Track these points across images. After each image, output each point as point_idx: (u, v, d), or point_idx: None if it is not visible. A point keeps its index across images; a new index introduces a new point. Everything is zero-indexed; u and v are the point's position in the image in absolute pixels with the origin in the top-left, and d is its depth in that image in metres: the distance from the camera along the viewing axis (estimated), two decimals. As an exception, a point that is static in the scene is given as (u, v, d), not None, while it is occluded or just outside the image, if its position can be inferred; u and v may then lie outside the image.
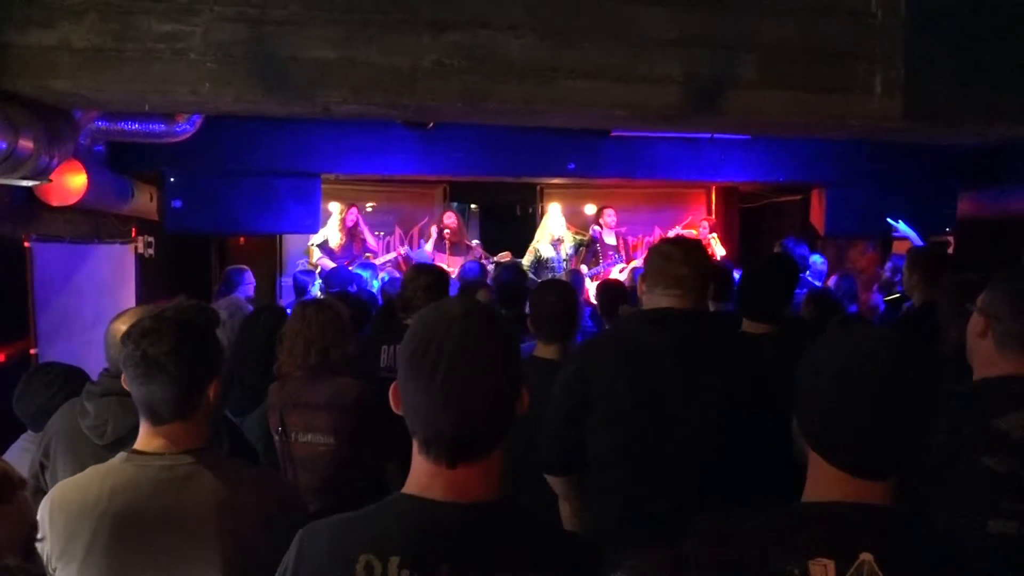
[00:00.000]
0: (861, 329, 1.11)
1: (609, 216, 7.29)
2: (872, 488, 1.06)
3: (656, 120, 3.06)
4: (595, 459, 1.94)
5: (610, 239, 7.30)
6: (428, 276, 3.11)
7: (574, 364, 1.97)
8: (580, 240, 7.01)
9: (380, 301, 4.68)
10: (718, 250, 7.20)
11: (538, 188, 8.13)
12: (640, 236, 7.86)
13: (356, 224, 6.98)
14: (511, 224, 8.57)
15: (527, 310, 2.73)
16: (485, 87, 2.85)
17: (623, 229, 7.30)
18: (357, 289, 5.04)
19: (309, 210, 6.29)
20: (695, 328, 1.91)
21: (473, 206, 9.20)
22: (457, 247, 7.04)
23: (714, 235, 7.35)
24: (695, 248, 1.98)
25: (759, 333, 2.51)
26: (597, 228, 6.98)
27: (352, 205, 7.00)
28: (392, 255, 7.10)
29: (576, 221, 7.77)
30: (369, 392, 2.42)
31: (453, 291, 4.82)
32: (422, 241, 7.31)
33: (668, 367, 1.86)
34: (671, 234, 7.06)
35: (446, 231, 7.03)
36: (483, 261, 6.16)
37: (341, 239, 6.85)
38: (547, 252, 6.85)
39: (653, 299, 1.95)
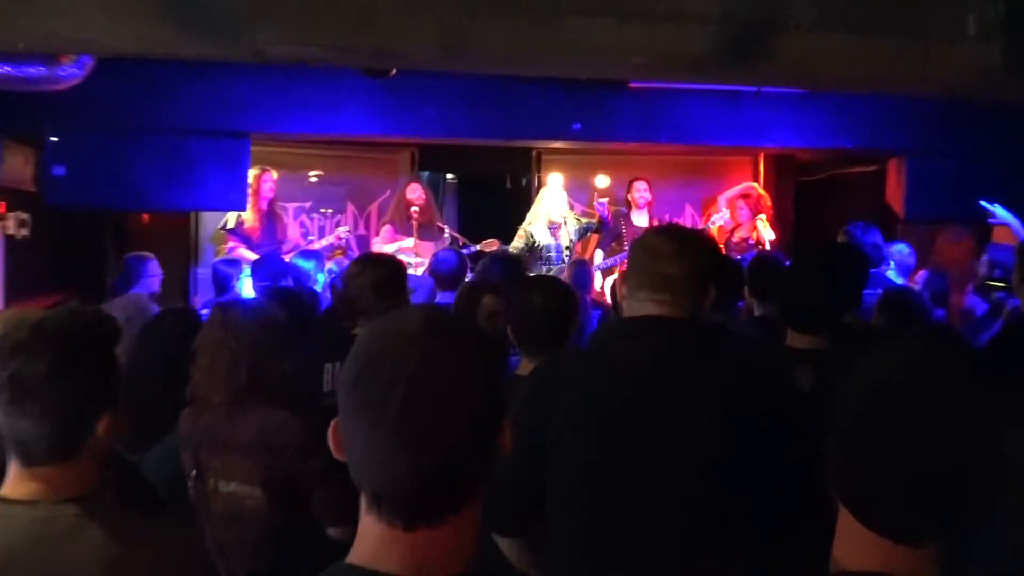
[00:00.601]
0: (913, 340, 1.11)
1: (640, 191, 7.45)
2: (907, 557, 1.06)
3: (685, 70, 3.11)
4: (555, 515, 1.94)
5: (641, 220, 7.44)
6: (377, 270, 3.08)
7: (530, 393, 1.98)
8: (586, 223, 7.12)
9: (328, 301, 4.70)
10: (766, 234, 7.35)
11: (534, 154, 8.16)
12: (666, 216, 7.99)
13: (275, 198, 7.00)
14: (498, 201, 8.64)
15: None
16: (466, 26, 2.84)
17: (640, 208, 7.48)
18: (295, 285, 4.97)
19: (235, 181, 6.32)
20: (686, 344, 1.91)
21: (449, 176, 9.25)
22: (427, 230, 7.12)
23: (762, 217, 7.49)
24: (691, 241, 2.00)
25: (803, 348, 2.55)
26: (602, 202, 7.15)
27: (265, 170, 6.89)
28: (331, 238, 7.13)
29: (583, 197, 7.94)
30: (311, 429, 2.34)
31: (423, 292, 4.94)
32: (389, 226, 7.40)
33: (650, 395, 1.86)
34: (718, 217, 7.41)
35: (413, 209, 7.10)
36: (462, 250, 6.17)
37: (255, 219, 6.79)
38: (543, 237, 6.89)
39: (635, 306, 1.97)
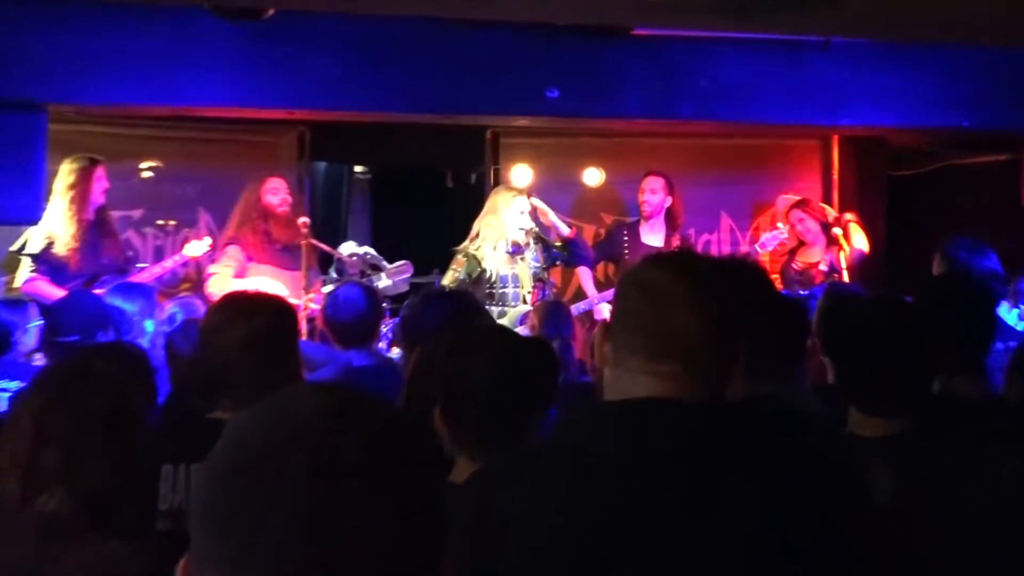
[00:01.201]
0: None
1: (652, 192, 7.65)
2: None
3: (717, 13, 2.98)
4: None
5: (654, 237, 7.64)
6: (255, 321, 3.12)
7: (473, 512, 2.04)
8: (557, 250, 7.34)
9: (163, 364, 4.69)
10: (859, 241, 7.60)
11: (488, 137, 8.38)
12: (692, 233, 8.23)
13: (106, 204, 7.07)
14: (433, 207, 8.93)
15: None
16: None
17: (656, 211, 7.69)
18: (116, 339, 5.04)
19: (23, 177, 6.40)
20: (707, 442, 1.96)
21: (358, 170, 9.59)
22: (290, 251, 7.22)
23: (850, 217, 7.76)
24: (711, 275, 2.05)
25: (877, 437, 2.65)
26: (774, 235, 7.51)
27: (94, 163, 6.94)
28: (174, 261, 7.26)
29: (563, 204, 8.10)
30: (151, 570, 2.36)
31: (334, 367, 4.84)
32: (236, 248, 7.38)
33: (653, 521, 1.91)
34: (771, 236, 7.57)
35: (280, 209, 7.26)
36: (365, 280, 6.38)
37: (75, 231, 6.77)
38: (495, 264, 7.07)
39: (624, 380, 2.02)
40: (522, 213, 6.99)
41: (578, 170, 8.29)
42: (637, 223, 7.71)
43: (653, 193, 7.64)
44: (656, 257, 2.14)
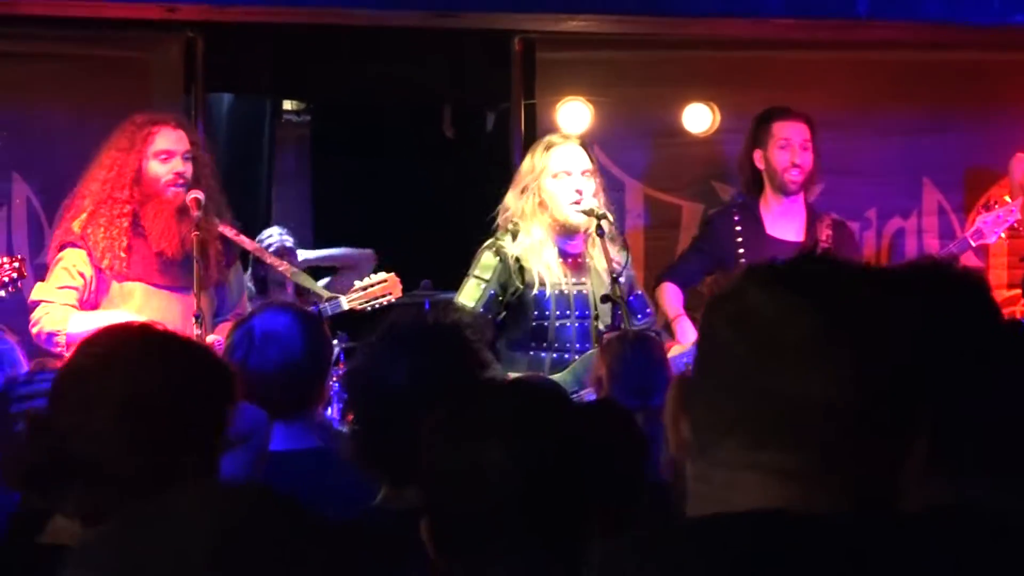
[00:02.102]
0: None
1: (788, 141, 6.59)
2: None
3: None
4: None
5: (786, 227, 6.75)
6: (138, 374, 2.83)
7: None
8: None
9: None
10: None
11: (515, 48, 7.26)
12: (872, 214, 7.45)
13: None
14: (418, 170, 8.56)
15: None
16: None
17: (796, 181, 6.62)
18: None
19: None
20: None
21: (290, 106, 9.09)
22: (176, 259, 6.26)
23: None
24: (870, 297, 1.79)
25: None
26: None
27: None
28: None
29: (636, 163, 7.41)
30: None
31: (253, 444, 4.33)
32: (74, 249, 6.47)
33: None
34: (992, 219, 6.75)
35: (172, 187, 6.14)
36: (308, 303, 6.22)
37: None
38: (543, 268, 6.18)
39: (715, 477, 1.78)
40: (584, 175, 5.96)
41: (669, 107, 7.13)
42: (755, 202, 6.57)
43: (805, 151, 6.42)
44: (766, 271, 1.80)
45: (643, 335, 5.59)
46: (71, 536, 2.55)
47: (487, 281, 6.06)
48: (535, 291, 6.08)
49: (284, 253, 7.09)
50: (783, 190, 6.49)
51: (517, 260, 6.04)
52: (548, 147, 6.08)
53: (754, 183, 6.61)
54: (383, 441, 3.24)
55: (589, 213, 5.86)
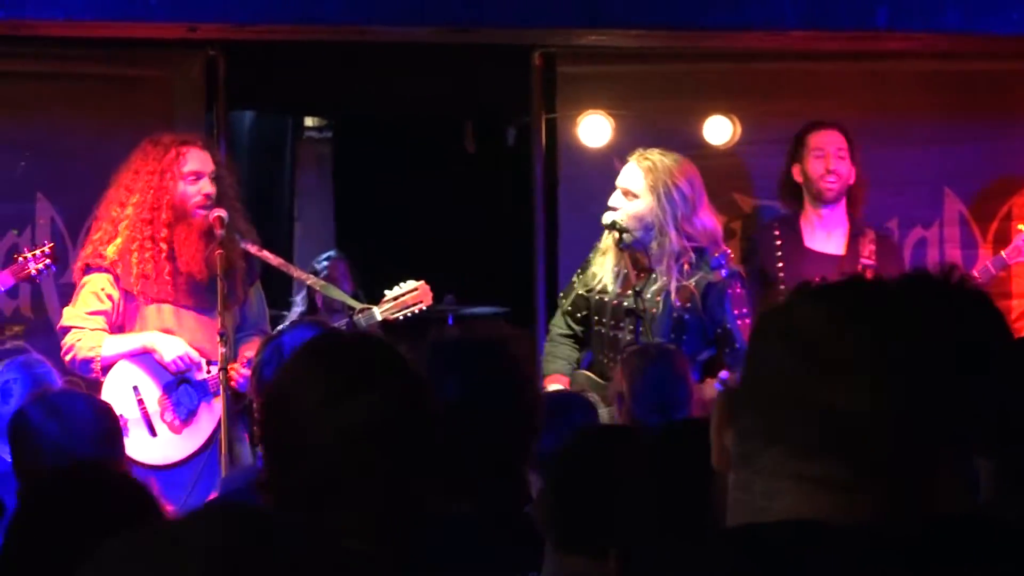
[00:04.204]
0: None
1: (840, 153, 6.62)
2: None
3: None
4: None
5: (828, 241, 6.86)
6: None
7: None
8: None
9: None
10: None
11: (535, 63, 7.38)
12: (894, 225, 7.39)
13: None
14: (439, 182, 8.55)
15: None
16: None
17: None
18: None
19: None
20: None
21: (311, 122, 9.13)
22: (201, 279, 6.36)
23: None
24: (918, 314, 1.86)
25: None
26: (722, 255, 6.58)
27: None
28: None
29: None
30: None
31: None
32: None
33: None
34: None
35: (200, 210, 6.25)
36: (353, 318, 6.25)
37: None
38: (607, 275, 6.43)
39: (755, 485, 1.79)
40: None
41: (689, 120, 7.18)
42: (796, 216, 6.65)
43: (840, 158, 6.46)
44: (815, 288, 1.86)
45: (664, 350, 5.67)
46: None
47: (565, 304, 6.31)
48: (595, 302, 6.27)
49: (337, 275, 7.18)
50: (820, 199, 6.53)
51: (584, 279, 6.27)
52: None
53: (795, 198, 6.67)
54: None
55: (611, 227, 5.97)
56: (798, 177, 6.54)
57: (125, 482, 3.63)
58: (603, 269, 6.33)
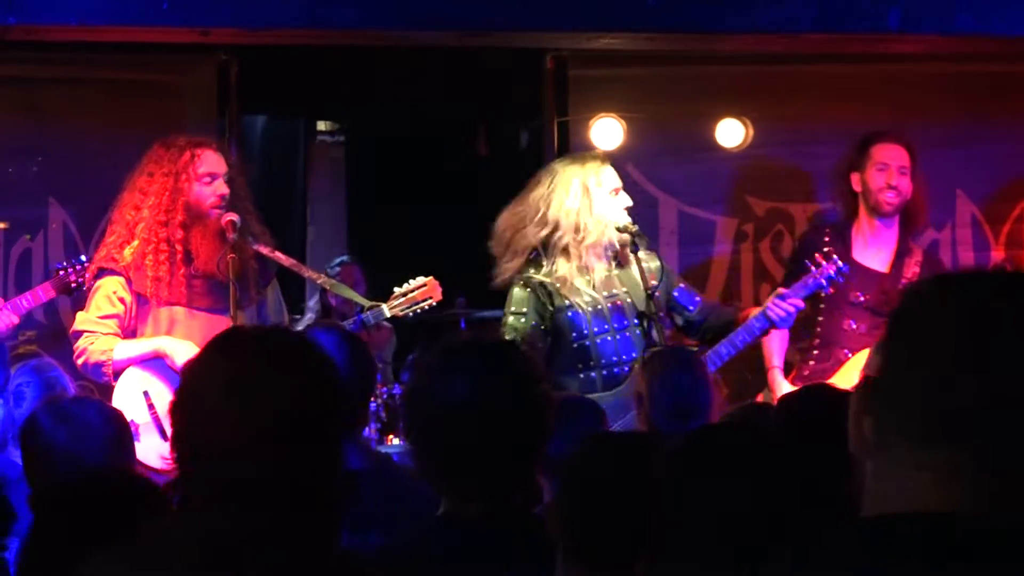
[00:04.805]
0: None
1: (903, 168, 6.60)
2: None
3: None
4: None
5: (874, 254, 6.77)
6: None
7: None
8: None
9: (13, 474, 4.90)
10: None
11: (547, 67, 7.43)
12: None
13: None
14: (451, 185, 8.73)
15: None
16: None
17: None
18: None
19: None
20: None
21: (324, 126, 9.19)
22: (215, 281, 6.33)
23: None
24: None
25: None
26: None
27: None
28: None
29: (671, 179, 7.52)
30: None
31: None
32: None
33: None
34: None
35: (215, 210, 6.22)
36: (364, 318, 6.12)
37: None
38: (581, 291, 6.26)
39: (886, 474, 1.82)
40: (615, 194, 6.09)
41: (701, 123, 7.25)
42: (848, 224, 6.57)
43: (902, 175, 6.48)
44: (957, 280, 1.85)
45: (685, 352, 5.67)
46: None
47: (524, 314, 6.10)
48: (568, 312, 6.08)
49: (352, 280, 7.15)
50: (877, 211, 6.49)
51: (543, 286, 6.07)
52: (594, 167, 6.15)
53: (850, 206, 6.63)
54: (444, 456, 3.32)
55: (623, 230, 5.93)
56: (856, 186, 6.50)
57: (139, 483, 3.61)
58: (565, 284, 6.14)
